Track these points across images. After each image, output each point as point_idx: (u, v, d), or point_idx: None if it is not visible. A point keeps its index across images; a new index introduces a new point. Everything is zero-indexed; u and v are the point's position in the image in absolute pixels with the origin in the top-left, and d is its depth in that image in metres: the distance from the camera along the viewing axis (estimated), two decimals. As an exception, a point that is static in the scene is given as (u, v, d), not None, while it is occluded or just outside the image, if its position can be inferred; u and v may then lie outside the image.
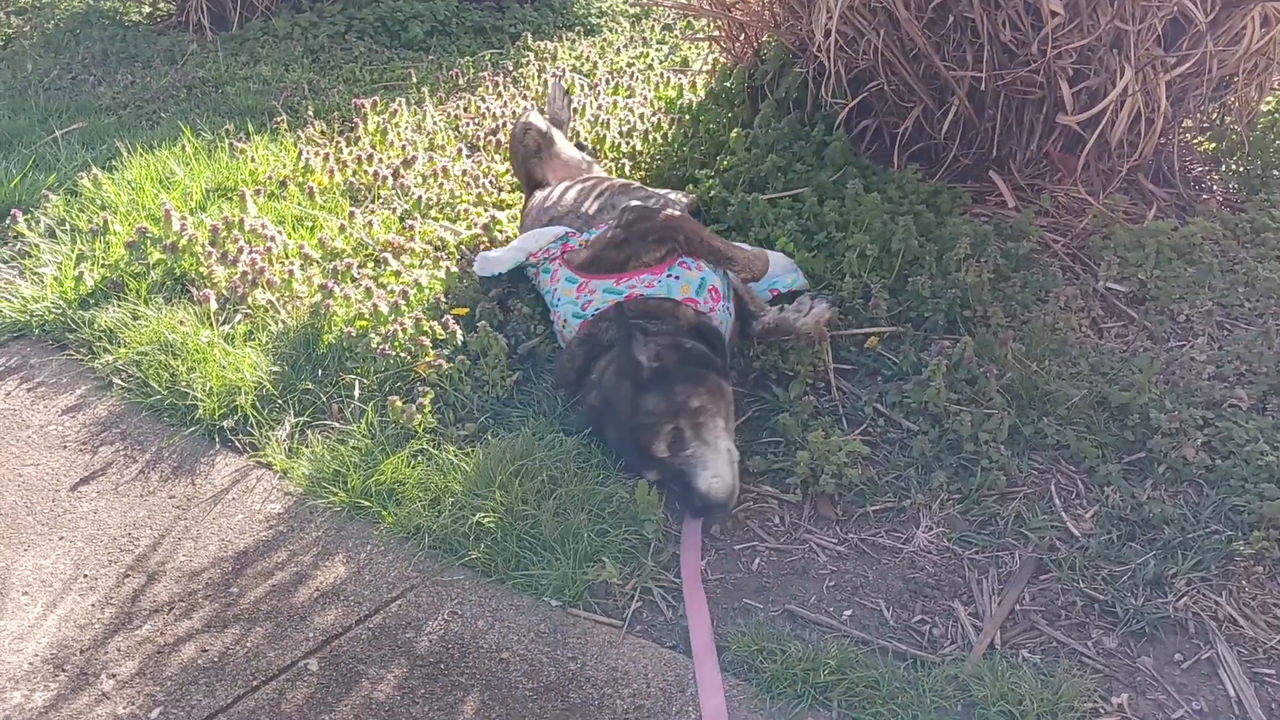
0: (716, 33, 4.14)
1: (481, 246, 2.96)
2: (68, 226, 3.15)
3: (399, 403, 2.29)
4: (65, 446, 2.35)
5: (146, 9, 5.79)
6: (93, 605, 1.91)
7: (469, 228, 3.08)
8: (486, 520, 1.99)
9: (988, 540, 2.00)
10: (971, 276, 2.65)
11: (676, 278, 2.38)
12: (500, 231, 3.04)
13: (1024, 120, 3.29)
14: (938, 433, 2.25)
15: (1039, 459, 2.21)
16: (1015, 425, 2.25)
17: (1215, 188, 3.44)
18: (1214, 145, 3.55)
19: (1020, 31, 3.03)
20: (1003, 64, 3.12)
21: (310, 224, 3.11)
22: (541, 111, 3.67)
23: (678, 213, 2.50)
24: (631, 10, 5.60)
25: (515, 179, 3.30)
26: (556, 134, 3.19)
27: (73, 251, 2.98)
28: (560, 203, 2.80)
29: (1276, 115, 3.52)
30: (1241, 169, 3.41)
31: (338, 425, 2.30)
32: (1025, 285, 2.74)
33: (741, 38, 3.92)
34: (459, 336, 2.52)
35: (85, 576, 1.98)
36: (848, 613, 1.87)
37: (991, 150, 3.34)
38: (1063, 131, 3.21)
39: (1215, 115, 3.56)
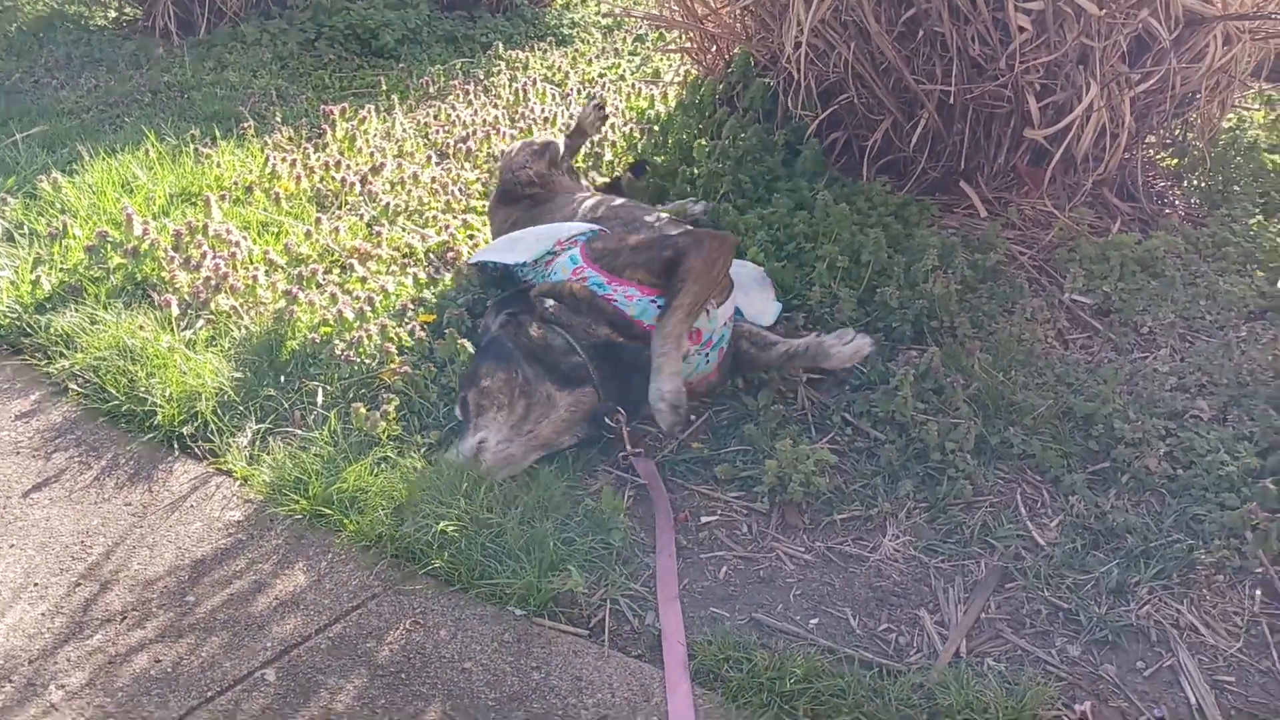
0: (688, 44, 4.15)
1: (449, 255, 2.93)
2: (26, 229, 3.09)
3: (363, 410, 2.26)
4: (18, 453, 2.29)
5: (112, 13, 5.72)
6: (42, 614, 1.86)
7: (438, 234, 3.05)
8: (450, 528, 1.97)
9: (954, 549, 2.00)
10: (939, 287, 2.66)
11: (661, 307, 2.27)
12: (473, 236, 3.02)
13: (992, 134, 3.33)
14: (905, 442, 2.25)
15: (1005, 468, 2.22)
16: (982, 435, 2.26)
17: (1178, 202, 3.48)
18: (1177, 161, 3.60)
19: (989, 46, 3.06)
20: (971, 78, 3.15)
21: (276, 230, 3.07)
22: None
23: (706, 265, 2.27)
24: (604, 21, 5.60)
25: (487, 187, 3.28)
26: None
27: (30, 255, 2.92)
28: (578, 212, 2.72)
29: (1237, 132, 3.58)
30: (1203, 184, 3.46)
31: (300, 432, 2.26)
32: (992, 296, 2.76)
33: (713, 50, 3.94)
34: (425, 343, 2.50)
35: (35, 585, 1.93)
36: (814, 621, 1.86)
37: (960, 163, 3.37)
38: (1030, 145, 3.25)
39: (1178, 131, 3.62)
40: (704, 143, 3.30)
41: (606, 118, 3.39)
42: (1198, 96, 3.37)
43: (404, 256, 2.95)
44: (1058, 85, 3.12)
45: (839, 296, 2.67)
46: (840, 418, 2.34)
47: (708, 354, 2.33)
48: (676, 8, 3.96)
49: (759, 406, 2.35)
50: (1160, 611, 1.85)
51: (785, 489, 2.09)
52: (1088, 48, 3.02)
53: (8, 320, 2.69)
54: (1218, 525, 2.00)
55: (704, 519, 2.08)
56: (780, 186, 3.15)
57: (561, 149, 3.06)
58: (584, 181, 3.25)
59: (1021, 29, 2.96)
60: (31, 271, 2.82)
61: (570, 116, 3.93)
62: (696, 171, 3.19)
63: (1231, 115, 3.68)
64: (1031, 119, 3.09)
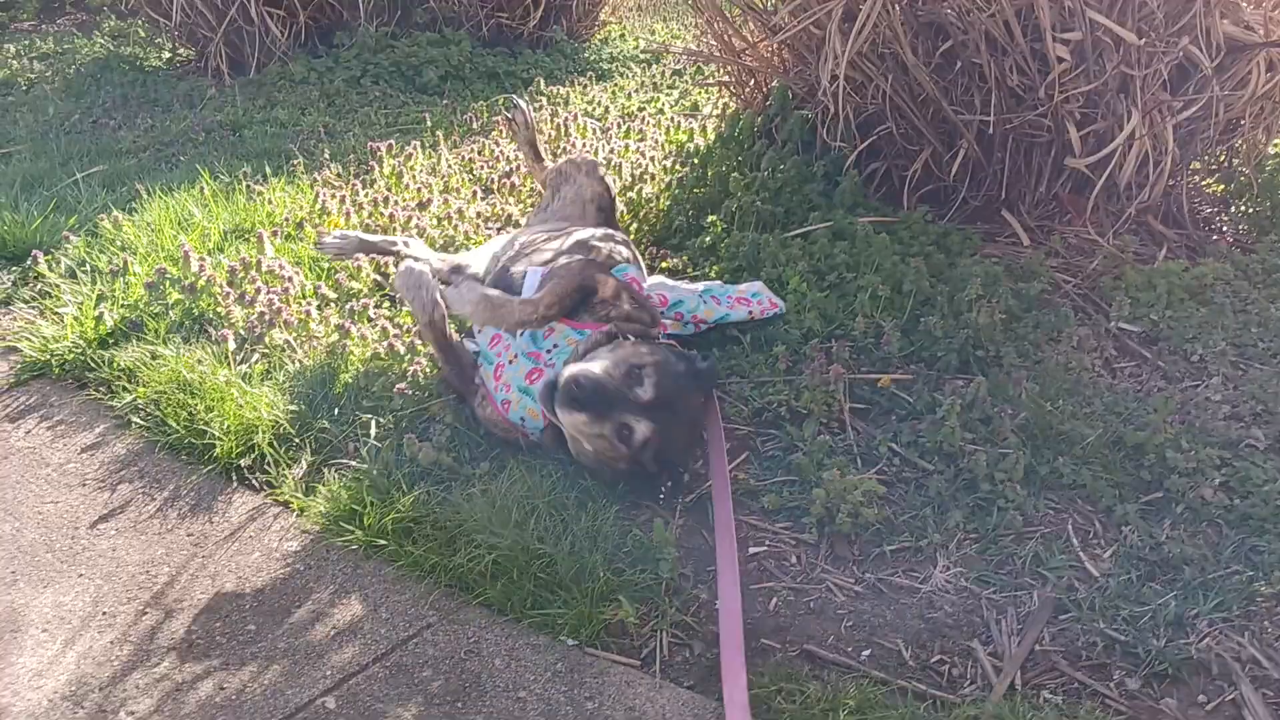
0: (726, 78, 4.20)
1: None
2: (88, 267, 3.19)
3: (415, 441, 2.30)
4: (84, 484, 2.36)
5: (166, 55, 5.90)
6: (111, 642, 1.91)
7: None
8: (502, 559, 1.99)
9: (1006, 580, 1.99)
10: (984, 317, 2.67)
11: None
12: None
13: (1033, 163, 3.33)
14: (953, 472, 2.25)
15: (1055, 498, 2.21)
16: (1031, 465, 2.25)
17: (1225, 229, 3.46)
18: (1223, 187, 3.58)
19: (1028, 77, 3.08)
20: (1011, 108, 3.16)
21: (327, 265, 3.14)
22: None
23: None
24: (643, 56, 5.68)
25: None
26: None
27: (93, 292, 3.02)
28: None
29: (1284, 158, 3.56)
30: (1251, 210, 3.44)
31: (354, 464, 2.31)
32: (1038, 325, 2.76)
33: (751, 83, 3.98)
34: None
35: (104, 614, 1.98)
36: (866, 653, 1.86)
37: (1001, 192, 3.38)
38: (1071, 174, 3.25)
39: (1223, 157, 3.60)
40: (739, 175, 3.34)
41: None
42: (1242, 123, 3.36)
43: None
44: (1098, 114, 3.13)
45: (883, 327, 2.69)
46: (887, 448, 2.34)
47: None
48: (715, 43, 4.02)
49: (805, 437, 2.36)
50: (1221, 644, 1.83)
51: (833, 520, 2.10)
52: (1128, 76, 3.03)
53: (73, 355, 2.77)
54: (1278, 556, 1.97)
55: (752, 550, 2.10)
56: (821, 218, 3.17)
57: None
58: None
59: (1060, 59, 2.98)
60: (95, 308, 2.91)
61: (610, 150, 3.98)
62: (734, 205, 3.22)
63: (1278, 140, 3.65)
64: (1073, 148, 3.10)
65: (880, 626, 1.91)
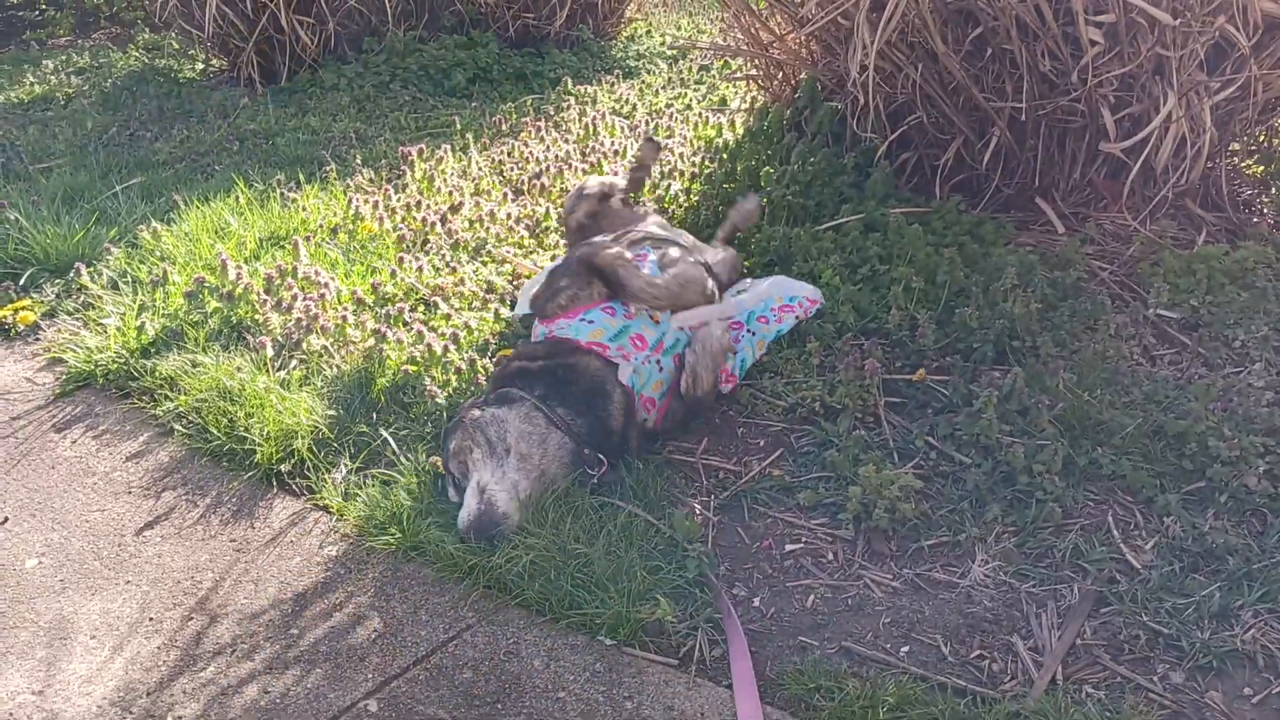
0: (754, 72, 4.19)
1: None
2: (129, 278, 3.25)
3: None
4: (130, 492, 2.41)
5: (199, 65, 5.99)
6: (158, 648, 1.95)
7: (514, 270, 3.13)
8: (539, 559, 2.01)
9: (1045, 573, 1.97)
10: (1019, 307, 2.64)
11: (590, 322, 2.37)
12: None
13: (1066, 149, 3.29)
14: (990, 465, 2.23)
15: (1095, 490, 2.18)
16: (1069, 456, 2.23)
17: (1266, 211, 3.39)
18: (1263, 168, 3.51)
19: (1060, 61, 3.04)
20: (1043, 94, 3.12)
21: (362, 270, 3.18)
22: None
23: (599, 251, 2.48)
24: (669, 52, 5.68)
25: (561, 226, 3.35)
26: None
27: (134, 302, 3.08)
28: None
29: (1326, 136, 3.48)
30: (1292, 191, 3.37)
31: (392, 468, 2.33)
32: (1074, 314, 2.72)
33: (779, 76, 3.97)
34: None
35: (150, 620, 2.02)
36: (905, 649, 1.85)
37: (1034, 179, 3.34)
38: (1106, 159, 3.20)
39: (1263, 138, 3.53)
40: (769, 169, 3.33)
41: (660, 148, 3.43)
42: (1282, 102, 3.29)
43: (485, 292, 3.02)
44: (1133, 97, 3.08)
45: (917, 319, 2.67)
46: (924, 442, 2.33)
47: (659, 359, 2.36)
48: (742, 36, 4.01)
49: (839, 431, 2.35)
50: (1267, 635, 1.80)
51: (870, 515, 2.09)
52: (1163, 58, 2.97)
53: (116, 365, 2.82)
54: (1323, 545, 1.94)
55: (788, 547, 2.09)
56: (852, 209, 3.16)
57: (623, 185, 3.13)
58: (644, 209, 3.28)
59: (1093, 43, 2.93)
60: (136, 318, 2.96)
61: (638, 149, 3.98)
62: (765, 198, 3.21)
63: (1320, 119, 3.57)
64: (1107, 132, 3.05)
65: (919, 622, 1.90)
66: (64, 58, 6.58)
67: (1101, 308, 2.72)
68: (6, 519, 2.33)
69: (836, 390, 2.43)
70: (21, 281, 3.33)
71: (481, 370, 2.60)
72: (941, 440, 2.34)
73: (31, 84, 5.92)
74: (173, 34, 6.18)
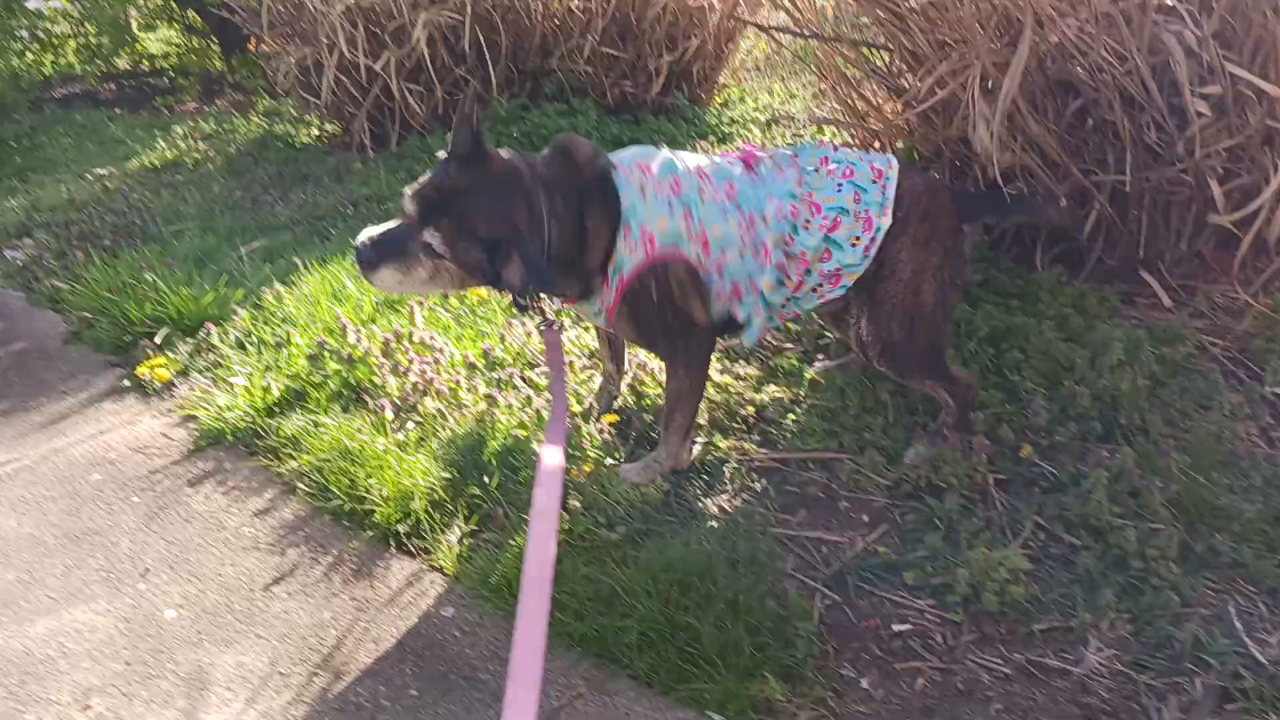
0: (850, 140, 4.24)
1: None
2: (254, 338, 3.44)
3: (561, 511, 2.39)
4: (258, 548, 2.54)
5: (315, 131, 6.31)
6: (287, 703, 2.05)
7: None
8: (649, 630, 2.06)
9: (1164, 664, 1.94)
10: (1127, 383, 2.62)
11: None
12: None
13: (1171, 220, 3.25)
14: (1102, 548, 2.21)
15: (1214, 577, 2.14)
16: (1185, 541, 2.19)
17: (1387, 285, 3.29)
18: (1382, 241, 3.40)
19: (1165, 132, 3.02)
20: (1147, 164, 3.11)
21: (472, 334, 3.30)
22: None
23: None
24: (762, 118, 5.78)
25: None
26: None
27: (260, 362, 3.25)
28: None
29: None
30: None
31: (503, 529, 2.42)
32: (1185, 392, 2.68)
33: (875, 145, 4.02)
34: (613, 444, 2.64)
35: (279, 674, 2.13)
36: (1017, 736, 1.84)
37: (1139, 251, 3.30)
38: (1215, 230, 3.16)
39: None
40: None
41: None
42: (1403, 173, 3.20)
43: (589, 357, 3.12)
44: (1242, 168, 3.04)
45: (1022, 394, 2.66)
46: (1032, 521, 2.32)
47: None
48: (838, 106, 4.08)
49: (946, 509, 2.35)
50: (1401, 740, 1.74)
51: (979, 597, 2.09)
52: (1272, 129, 2.94)
53: (244, 423, 2.99)
54: None
55: (896, 627, 2.10)
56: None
57: None
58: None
59: (1200, 114, 2.92)
60: (263, 378, 3.13)
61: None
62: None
63: None
64: (1216, 204, 3.02)
65: (1032, 710, 1.89)
66: (192, 124, 7.01)
67: (1214, 386, 2.68)
68: (148, 570, 2.48)
69: (942, 468, 2.44)
70: (158, 340, 3.54)
71: (586, 437, 2.67)
72: (1050, 520, 2.32)
73: (163, 149, 6.32)
74: (290, 101, 6.52)
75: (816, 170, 2.37)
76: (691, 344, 2.42)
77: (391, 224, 2.22)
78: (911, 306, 2.38)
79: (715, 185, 2.35)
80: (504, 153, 2.26)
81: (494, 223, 2.12)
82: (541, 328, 2.40)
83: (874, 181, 2.36)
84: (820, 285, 2.38)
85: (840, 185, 2.34)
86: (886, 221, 2.32)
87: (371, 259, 2.18)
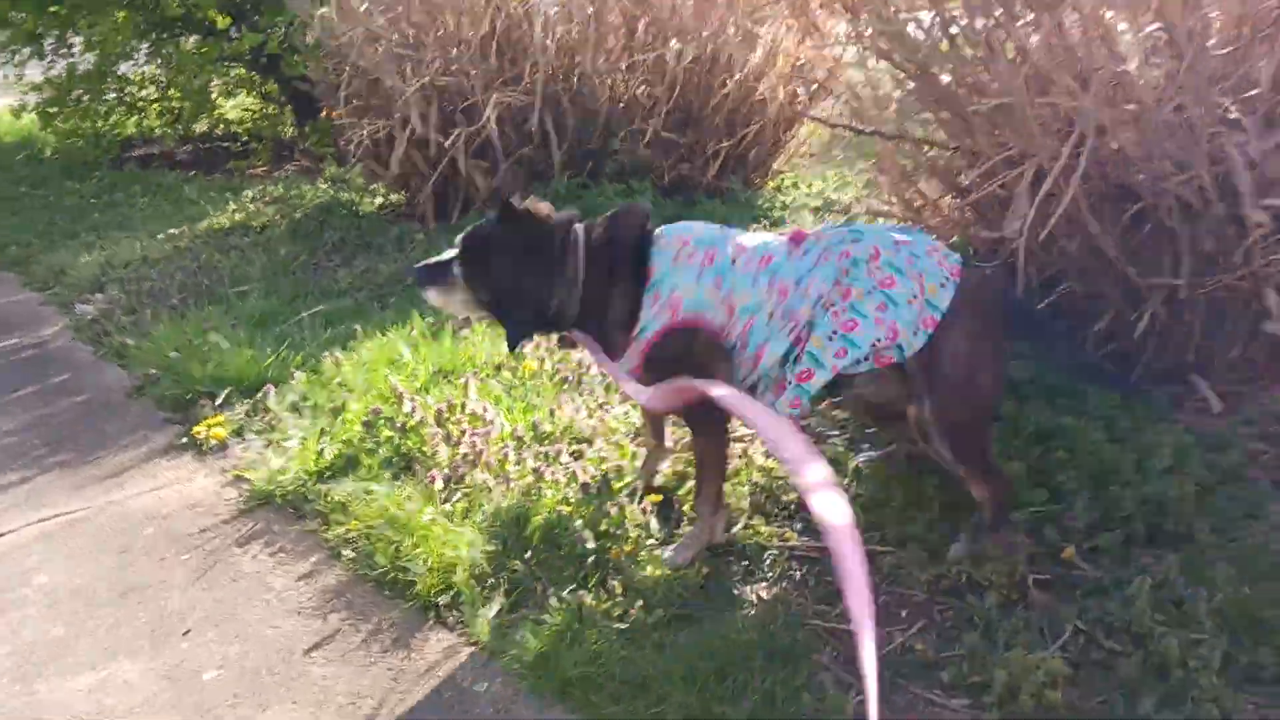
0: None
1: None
2: (310, 402, 3.54)
3: (589, 600, 2.42)
4: (300, 612, 2.60)
5: (379, 200, 6.53)
6: (321, 769, 2.08)
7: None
8: (684, 718, 2.06)
9: (1205, 782, 1.90)
10: (1175, 489, 2.59)
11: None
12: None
13: (1225, 325, 3.24)
14: (1142, 656, 2.18)
15: (1257, 693, 2.09)
16: (1229, 654, 2.15)
17: None
18: None
19: (1223, 241, 3.03)
20: (1203, 270, 3.11)
21: (523, 407, 3.37)
22: None
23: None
24: (814, 204, 5.88)
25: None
26: None
27: (314, 426, 3.35)
28: None
29: None
30: None
31: (544, 607, 2.44)
32: (1233, 499, 2.65)
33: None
34: (653, 524, 2.67)
35: (316, 740, 2.16)
36: None
37: (1190, 354, 3.29)
38: (1268, 338, 3.14)
39: None
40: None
41: None
42: None
43: (636, 433, 3.16)
44: (1301, 278, 3.03)
45: (1065, 495, 2.65)
46: (1072, 625, 2.29)
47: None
48: (895, 199, 4.14)
49: (985, 608, 2.34)
50: None
51: (1015, 699, 2.07)
52: (1332, 242, 2.94)
53: (294, 487, 3.07)
54: None
55: (932, 728, 2.08)
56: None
57: None
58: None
59: (1259, 225, 2.93)
60: (316, 442, 3.22)
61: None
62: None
63: None
64: (1271, 312, 3.01)
65: (1067, 822, 1.86)
66: (260, 188, 7.30)
67: (1263, 494, 2.65)
68: (189, 630, 2.55)
69: (983, 565, 2.43)
70: (218, 400, 3.67)
71: (629, 517, 2.71)
72: (1091, 625, 2.30)
73: (232, 211, 6.58)
74: (356, 169, 6.79)
75: (864, 262, 2.39)
76: (714, 410, 2.39)
77: (445, 254, 2.59)
78: (970, 392, 2.41)
79: (751, 256, 2.41)
80: (559, 214, 2.55)
81: (503, 274, 2.47)
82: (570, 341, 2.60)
83: (927, 254, 2.39)
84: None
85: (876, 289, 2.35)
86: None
87: (422, 280, 2.61)
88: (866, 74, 4.02)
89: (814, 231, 2.50)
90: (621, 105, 5.75)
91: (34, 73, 9.30)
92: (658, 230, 2.49)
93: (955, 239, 3.78)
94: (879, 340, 2.33)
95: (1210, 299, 3.17)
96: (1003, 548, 2.46)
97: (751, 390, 2.45)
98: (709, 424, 2.53)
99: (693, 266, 2.39)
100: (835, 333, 2.33)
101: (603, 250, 2.47)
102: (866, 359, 2.34)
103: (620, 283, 2.44)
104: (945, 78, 3.42)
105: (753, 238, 2.50)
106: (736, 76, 5.62)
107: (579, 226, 2.52)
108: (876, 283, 2.35)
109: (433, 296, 2.61)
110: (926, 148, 3.85)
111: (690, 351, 2.41)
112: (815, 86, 5.93)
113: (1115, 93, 2.94)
